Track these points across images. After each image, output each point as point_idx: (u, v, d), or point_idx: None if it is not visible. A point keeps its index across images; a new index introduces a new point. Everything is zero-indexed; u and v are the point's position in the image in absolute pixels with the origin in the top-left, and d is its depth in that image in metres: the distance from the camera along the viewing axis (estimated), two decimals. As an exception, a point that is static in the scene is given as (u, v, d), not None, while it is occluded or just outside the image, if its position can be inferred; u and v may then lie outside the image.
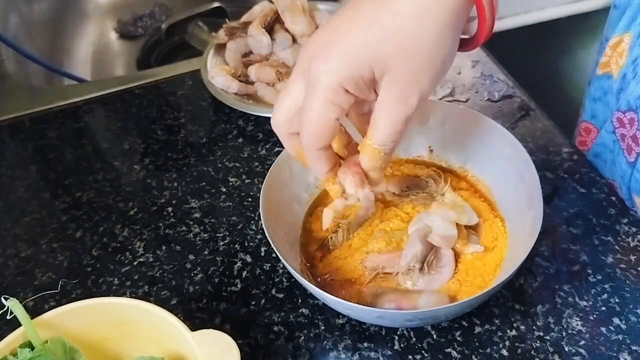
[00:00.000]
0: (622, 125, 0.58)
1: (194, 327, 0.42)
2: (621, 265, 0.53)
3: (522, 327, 0.49)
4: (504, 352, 0.48)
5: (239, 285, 0.55)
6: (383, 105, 0.41)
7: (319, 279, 0.52)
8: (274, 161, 0.54)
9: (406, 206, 0.57)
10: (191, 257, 0.58)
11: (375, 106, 0.42)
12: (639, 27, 0.57)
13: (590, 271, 0.53)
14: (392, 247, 0.53)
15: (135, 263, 0.58)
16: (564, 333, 0.49)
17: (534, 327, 0.49)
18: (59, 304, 0.46)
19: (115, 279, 0.57)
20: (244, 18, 0.80)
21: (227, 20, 0.81)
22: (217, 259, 0.57)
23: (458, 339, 0.49)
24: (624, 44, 0.60)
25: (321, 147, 0.43)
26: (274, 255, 0.57)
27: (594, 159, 0.64)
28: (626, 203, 0.59)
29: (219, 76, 0.74)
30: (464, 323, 0.50)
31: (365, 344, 0.49)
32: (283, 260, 0.46)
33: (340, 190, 0.47)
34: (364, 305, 0.46)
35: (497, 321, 0.50)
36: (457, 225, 0.52)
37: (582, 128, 0.69)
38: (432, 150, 0.60)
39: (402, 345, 0.49)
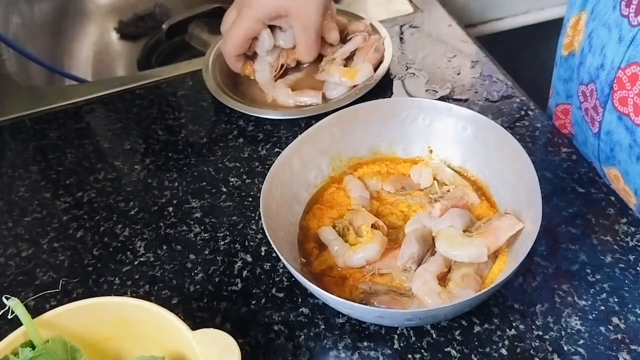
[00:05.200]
0: (585, 99, 0.59)
1: (194, 326, 0.42)
2: (620, 265, 0.53)
3: (522, 327, 0.50)
4: (503, 351, 0.48)
5: (239, 285, 0.55)
6: (296, 33, 0.72)
7: (313, 276, 0.52)
8: (274, 161, 0.54)
9: (401, 204, 0.57)
10: (192, 256, 0.58)
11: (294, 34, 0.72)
12: (593, 4, 0.60)
13: (589, 271, 0.53)
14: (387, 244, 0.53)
15: (136, 262, 0.58)
16: (563, 332, 0.49)
17: (533, 327, 0.49)
18: (60, 303, 0.46)
19: (116, 279, 0.57)
20: None
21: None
22: (218, 258, 0.58)
23: (457, 338, 0.49)
24: (582, 22, 0.62)
25: (237, 54, 0.73)
26: (274, 254, 0.57)
27: (576, 142, 0.65)
28: (605, 182, 0.59)
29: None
30: (464, 322, 0.50)
31: (365, 343, 0.50)
32: (283, 260, 0.47)
33: (253, 69, 0.76)
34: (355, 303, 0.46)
35: (496, 320, 0.50)
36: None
37: (559, 110, 0.70)
38: (431, 150, 0.60)
39: (401, 344, 0.49)
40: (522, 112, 0.69)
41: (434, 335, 0.50)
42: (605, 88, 0.56)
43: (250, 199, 0.63)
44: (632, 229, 0.56)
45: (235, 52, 0.73)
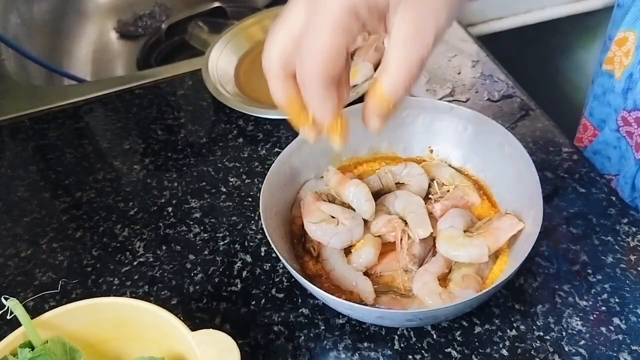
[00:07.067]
0: (627, 124, 0.58)
1: (194, 327, 0.42)
2: (621, 265, 0.53)
3: (522, 327, 0.49)
4: (504, 352, 0.48)
5: (239, 285, 0.55)
6: (398, 41, 0.36)
7: (312, 276, 0.52)
8: (274, 161, 0.54)
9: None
10: (191, 257, 0.58)
11: (388, 44, 0.37)
12: None
13: (590, 271, 0.53)
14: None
15: (135, 263, 0.58)
16: (564, 333, 0.49)
17: (534, 327, 0.49)
18: (59, 303, 0.46)
19: (116, 279, 0.57)
20: None
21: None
22: (217, 258, 0.57)
23: (458, 338, 0.49)
24: (629, 43, 0.60)
25: (330, 78, 0.37)
26: (274, 255, 0.57)
27: (593, 155, 0.64)
28: (626, 200, 0.59)
29: None
30: (464, 323, 0.50)
31: (365, 344, 0.49)
32: (283, 260, 0.47)
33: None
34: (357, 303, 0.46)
35: (497, 321, 0.50)
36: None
37: (581, 125, 0.70)
38: (432, 150, 0.60)
39: (402, 345, 0.49)
40: (523, 112, 0.69)
41: (435, 336, 0.49)
42: None
43: (250, 199, 0.63)
44: (633, 229, 0.55)
45: (328, 73, 0.37)
